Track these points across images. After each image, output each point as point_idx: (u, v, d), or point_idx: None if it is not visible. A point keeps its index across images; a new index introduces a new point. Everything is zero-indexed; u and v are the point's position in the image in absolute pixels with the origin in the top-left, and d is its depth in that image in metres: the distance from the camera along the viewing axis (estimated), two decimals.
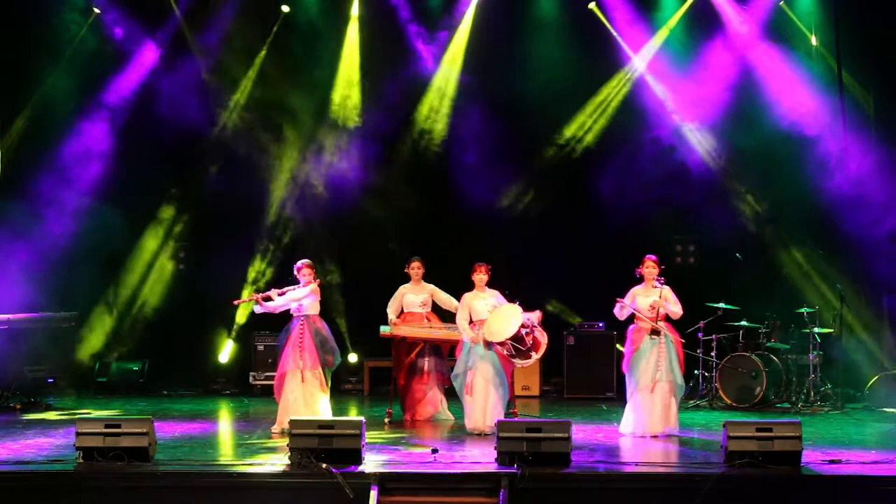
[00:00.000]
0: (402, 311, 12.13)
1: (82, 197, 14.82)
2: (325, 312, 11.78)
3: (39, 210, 14.50)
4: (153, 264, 15.40)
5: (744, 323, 13.57)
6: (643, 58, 15.13)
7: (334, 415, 11.07)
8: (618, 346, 11.50)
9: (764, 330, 13.55)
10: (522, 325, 10.95)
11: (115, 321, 14.93)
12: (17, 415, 12.60)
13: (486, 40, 15.11)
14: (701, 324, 13.39)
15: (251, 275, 14.72)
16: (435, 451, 9.40)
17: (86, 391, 14.54)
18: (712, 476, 8.67)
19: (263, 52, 15.25)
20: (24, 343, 13.31)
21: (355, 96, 15.17)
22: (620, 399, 11.98)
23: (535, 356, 11.13)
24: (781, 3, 14.90)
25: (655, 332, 10.88)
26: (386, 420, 11.95)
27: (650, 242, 14.22)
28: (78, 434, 8.99)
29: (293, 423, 9.09)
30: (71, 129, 14.93)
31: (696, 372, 13.59)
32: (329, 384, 11.15)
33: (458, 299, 11.52)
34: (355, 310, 14.76)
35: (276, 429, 10.99)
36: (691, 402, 13.37)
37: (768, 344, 13.48)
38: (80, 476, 8.75)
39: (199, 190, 15.29)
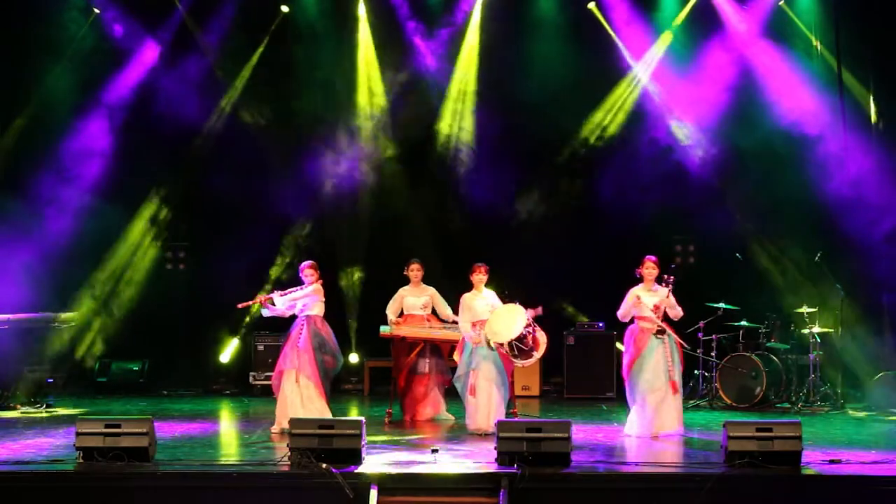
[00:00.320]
0: (401, 314, 12.13)
1: (82, 196, 14.82)
2: (338, 313, 11.77)
3: (39, 209, 14.52)
4: (153, 263, 15.40)
5: (744, 323, 13.57)
6: (643, 59, 15.11)
7: (334, 415, 11.06)
8: (618, 344, 11.49)
9: (764, 330, 13.55)
10: (526, 326, 10.95)
11: (115, 321, 14.90)
12: (17, 415, 12.58)
13: (488, 41, 15.11)
14: (701, 324, 13.39)
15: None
16: (435, 451, 9.39)
17: (86, 391, 14.53)
18: (712, 476, 8.67)
19: (261, 50, 15.25)
20: (24, 343, 13.31)
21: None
22: (620, 399, 11.98)
23: (537, 355, 11.13)
24: (781, 3, 14.90)
25: (661, 331, 10.87)
26: (386, 420, 11.95)
27: (650, 242, 14.24)
28: (78, 434, 8.99)
29: (293, 422, 9.09)
30: (71, 127, 14.94)
31: (696, 372, 13.59)
32: (329, 391, 11.11)
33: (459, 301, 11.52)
34: (356, 310, 14.78)
35: (275, 429, 10.99)
36: (691, 402, 13.36)
37: (768, 344, 13.48)
38: (80, 476, 8.74)
39: (199, 189, 15.28)
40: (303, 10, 15.23)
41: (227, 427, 12.16)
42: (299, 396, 10.90)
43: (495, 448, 8.95)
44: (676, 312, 10.99)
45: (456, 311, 11.55)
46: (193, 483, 8.72)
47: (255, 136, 15.18)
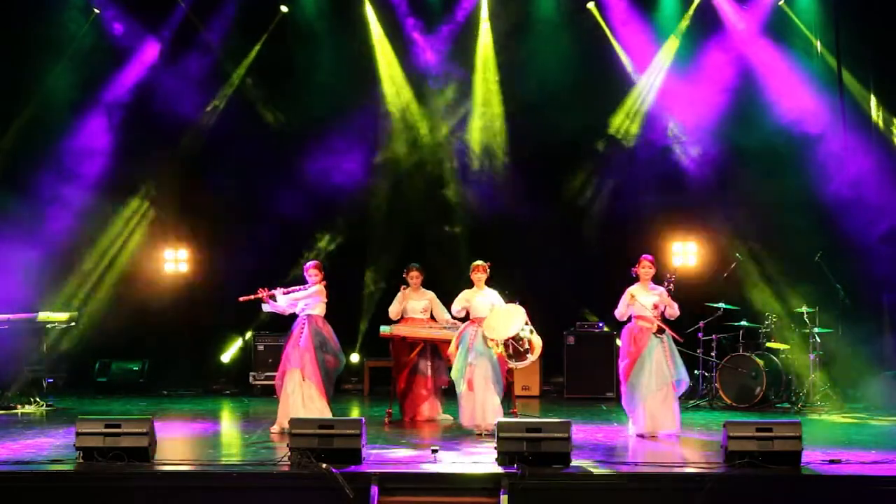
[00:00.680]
0: (402, 317, 12.14)
1: (83, 195, 14.82)
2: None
3: (40, 208, 14.52)
4: (153, 263, 15.40)
5: (744, 323, 13.57)
6: (651, 66, 15.11)
7: (334, 415, 11.05)
8: (618, 341, 11.48)
9: (764, 330, 13.56)
10: (524, 326, 10.96)
11: (115, 321, 14.90)
12: (16, 415, 12.59)
13: (488, 42, 15.14)
14: (701, 324, 13.40)
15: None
16: (435, 450, 9.39)
17: (86, 391, 14.53)
18: (712, 476, 8.68)
19: (259, 48, 15.26)
20: (24, 343, 13.31)
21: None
22: (620, 399, 11.97)
23: (531, 357, 11.12)
24: (781, 2, 14.90)
25: (660, 331, 10.87)
26: (386, 420, 11.95)
27: (650, 242, 14.27)
28: (78, 434, 8.99)
29: (293, 422, 9.10)
30: (72, 126, 14.97)
31: (696, 372, 13.59)
32: (332, 392, 11.12)
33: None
34: (356, 310, 14.80)
35: (275, 429, 10.99)
36: (691, 402, 13.37)
37: (768, 344, 13.48)
38: (80, 476, 8.73)
39: (200, 189, 15.29)
40: (301, 9, 15.23)
41: (228, 427, 12.16)
42: (301, 395, 10.90)
43: (495, 448, 8.95)
44: (673, 311, 10.99)
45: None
46: (193, 483, 8.72)
47: (256, 135, 15.19)
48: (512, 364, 11.10)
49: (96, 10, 15.10)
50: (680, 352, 11.07)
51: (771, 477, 8.69)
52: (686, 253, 15.06)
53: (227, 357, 15.21)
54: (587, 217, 15.11)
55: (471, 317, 11.29)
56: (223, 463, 9.40)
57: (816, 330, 13.29)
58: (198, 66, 15.16)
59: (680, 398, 11.75)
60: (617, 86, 15.19)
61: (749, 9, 14.94)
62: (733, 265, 14.14)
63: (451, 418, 12.00)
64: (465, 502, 8.53)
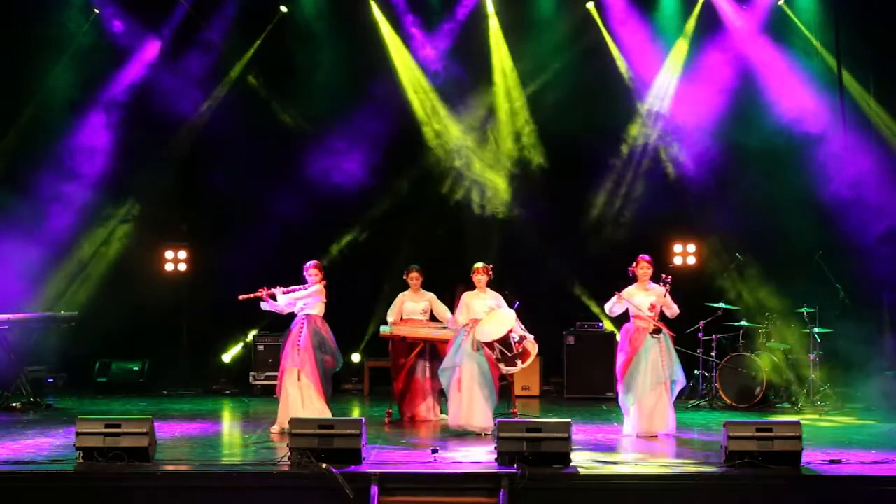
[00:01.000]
0: (401, 319, 12.15)
1: (83, 194, 14.83)
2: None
3: (40, 207, 14.52)
4: (153, 262, 15.39)
5: (744, 323, 13.57)
6: (646, 61, 15.11)
7: (334, 415, 11.06)
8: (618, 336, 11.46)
9: (764, 330, 13.55)
10: (511, 331, 10.95)
11: (115, 321, 14.88)
12: (16, 415, 12.59)
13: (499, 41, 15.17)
14: (701, 324, 13.40)
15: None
16: (435, 451, 9.39)
17: (86, 391, 14.53)
18: (712, 476, 8.68)
19: (259, 49, 15.27)
20: (24, 343, 13.30)
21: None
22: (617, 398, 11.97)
23: (521, 365, 11.10)
24: (781, 2, 14.89)
25: (657, 331, 10.88)
26: (386, 420, 11.95)
27: (650, 242, 14.26)
28: (78, 434, 8.99)
29: (293, 422, 9.10)
30: (72, 125, 14.96)
31: (696, 372, 13.59)
32: (330, 392, 11.12)
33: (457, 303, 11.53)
34: (357, 310, 14.78)
35: (275, 429, 10.99)
36: (691, 402, 13.37)
37: (768, 344, 13.48)
38: (80, 476, 8.74)
39: (200, 188, 15.29)
40: (300, 10, 15.23)
41: (228, 427, 12.15)
42: (300, 395, 10.90)
43: (495, 448, 8.95)
44: (673, 311, 11.01)
45: (453, 311, 11.57)
46: (193, 483, 8.72)
47: (257, 135, 15.18)
48: (502, 368, 11.09)
49: (96, 11, 15.10)
50: (680, 352, 11.07)
51: (771, 477, 8.69)
52: (686, 253, 15.04)
53: (227, 357, 15.21)
54: (587, 217, 15.09)
55: (468, 319, 11.28)
56: (223, 463, 9.41)
57: (816, 330, 13.29)
58: (198, 66, 15.15)
59: (680, 398, 11.79)
60: (616, 85, 15.17)
61: (749, 9, 14.94)
62: (733, 265, 14.14)
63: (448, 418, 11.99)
64: (465, 502, 8.53)
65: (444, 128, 15.20)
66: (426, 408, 12.14)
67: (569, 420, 9.09)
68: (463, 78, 15.14)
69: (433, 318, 12.18)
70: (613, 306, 11.08)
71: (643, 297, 11.01)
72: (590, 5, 15.11)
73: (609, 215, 15.03)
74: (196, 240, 15.43)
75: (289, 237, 14.61)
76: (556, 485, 8.64)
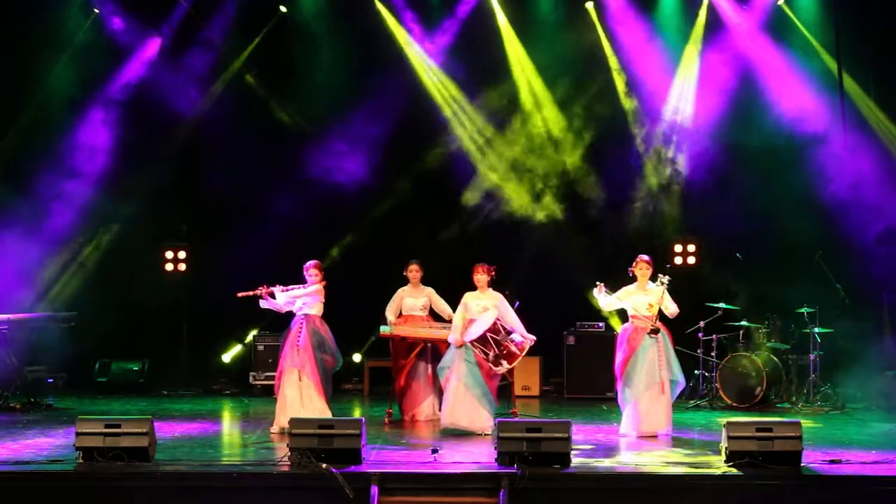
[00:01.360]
0: (400, 314, 12.15)
1: (84, 193, 14.83)
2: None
3: (41, 206, 14.51)
4: (153, 262, 15.38)
5: (744, 323, 13.57)
6: (643, 59, 15.10)
7: (334, 415, 11.05)
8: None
9: (764, 330, 13.55)
10: (490, 331, 10.93)
11: (115, 321, 14.88)
12: (16, 415, 12.59)
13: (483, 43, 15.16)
14: (701, 324, 13.39)
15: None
16: (435, 451, 9.39)
17: (86, 391, 14.53)
18: (712, 476, 8.68)
19: (260, 48, 15.28)
20: (24, 343, 13.30)
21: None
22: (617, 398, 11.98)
23: (506, 365, 11.10)
24: (781, 2, 14.89)
25: (655, 330, 10.88)
26: (386, 420, 11.95)
27: (650, 242, 14.27)
28: (78, 434, 8.99)
29: (293, 422, 9.10)
30: (72, 124, 14.96)
31: (696, 372, 13.59)
32: (331, 392, 11.12)
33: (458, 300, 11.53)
34: (360, 310, 14.78)
35: (274, 429, 10.99)
36: (691, 402, 13.37)
37: (768, 344, 13.48)
38: (80, 476, 8.74)
39: (201, 188, 15.29)
40: (300, 10, 15.23)
41: (227, 427, 12.15)
42: (300, 395, 10.90)
43: (495, 448, 8.95)
44: (672, 311, 11.01)
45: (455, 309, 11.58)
46: (193, 483, 8.73)
47: (258, 134, 15.18)
48: (493, 369, 11.09)
49: (96, 11, 15.11)
50: (680, 352, 11.07)
51: (771, 477, 8.68)
52: (686, 253, 15.03)
53: (228, 357, 15.21)
54: (588, 217, 15.10)
55: (466, 318, 11.29)
56: (223, 463, 9.42)
57: (816, 330, 13.28)
58: (198, 65, 15.16)
59: (680, 398, 11.79)
60: (615, 85, 15.19)
61: (749, 8, 14.94)
62: (733, 265, 14.15)
63: None
64: (465, 502, 8.54)
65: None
66: (426, 408, 12.13)
67: (569, 420, 9.10)
68: (473, 74, 15.14)
69: (433, 313, 12.18)
70: (601, 299, 11.06)
71: (642, 297, 11.01)
72: (589, 5, 15.11)
73: (609, 215, 15.02)
74: (196, 240, 15.42)
75: (289, 237, 14.60)
76: (556, 485, 8.64)
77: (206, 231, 15.36)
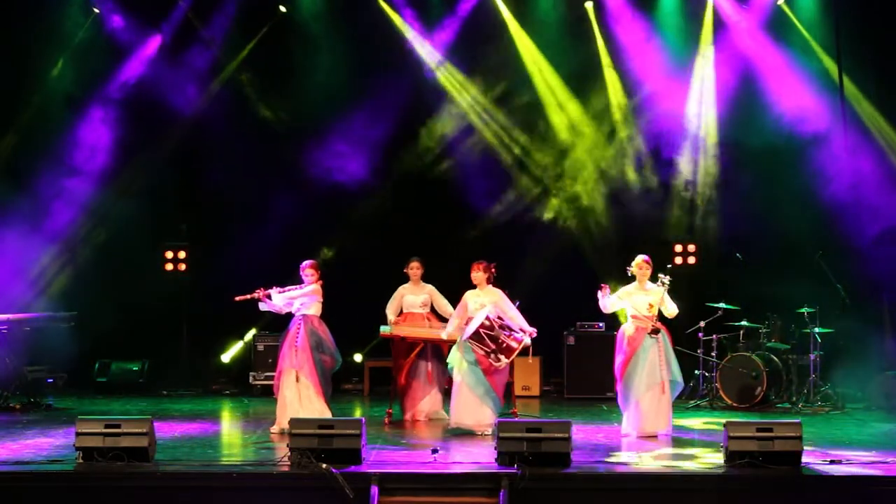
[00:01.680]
0: (401, 312, 12.15)
1: (84, 192, 14.84)
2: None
3: (41, 206, 14.52)
4: (154, 262, 15.38)
5: (744, 323, 13.57)
6: (641, 59, 15.09)
7: (334, 415, 11.05)
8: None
9: (764, 330, 13.55)
10: (482, 326, 10.95)
11: (115, 321, 14.88)
12: (16, 415, 12.58)
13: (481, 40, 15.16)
14: (701, 324, 13.39)
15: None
16: (435, 451, 9.39)
17: (86, 391, 14.52)
18: (712, 476, 8.68)
19: (259, 48, 15.28)
20: (24, 343, 13.29)
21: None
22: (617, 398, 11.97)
23: (504, 360, 11.06)
24: (780, 2, 14.89)
25: (655, 331, 10.88)
26: (386, 420, 11.95)
27: (650, 242, 14.27)
28: (78, 434, 8.98)
29: (293, 422, 9.10)
30: (72, 123, 14.96)
31: (696, 372, 13.59)
32: (330, 392, 11.12)
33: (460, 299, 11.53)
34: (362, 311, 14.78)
35: (275, 429, 10.99)
36: (691, 402, 13.37)
37: (768, 344, 13.48)
38: (80, 476, 8.74)
39: (201, 188, 15.29)
40: (299, 10, 15.24)
41: (227, 427, 12.16)
42: (298, 396, 10.90)
43: (495, 448, 8.95)
44: (672, 311, 11.01)
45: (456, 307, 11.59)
46: (193, 483, 8.72)
47: (258, 134, 15.18)
48: (494, 364, 11.09)
49: (96, 10, 15.12)
50: (681, 352, 11.08)
51: (771, 477, 8.68)
52: (686, 253, 15.02)
53: (227, 357, 15.20)
54: (587, 217, 15.10)
55: (465, 316, 11.30)
56: (223, 463, 9.42)
57: (816, 330, 13.28)
58: (198, 63, 15.18)
59: (680, 398, 11.79)
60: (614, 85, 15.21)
61: (749, 8, 14.94)
62: (733, 265, 14.15)
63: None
64: (465, 502, 8.53)
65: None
66: (426, 407, 12.14)
67: (569, 420, 9.10)
68: (479, 71, 15.15)
69: (435, 311, 12.18)
70: (603, 300, 11.05)
71: (642, 297, 11.01)
72: (588, 5, 15.11)
73: (609, 215, 15.01)
74: (196, 240, 15.42)
75: (289, 237, 14.61)
76: (557, 485, 8.63)
77: (206, 231, 15.36)
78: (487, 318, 11.01)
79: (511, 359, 11.17)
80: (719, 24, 14.99)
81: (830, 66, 14.65)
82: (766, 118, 14.62)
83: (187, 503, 8.65)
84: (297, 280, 11.29)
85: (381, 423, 11.83)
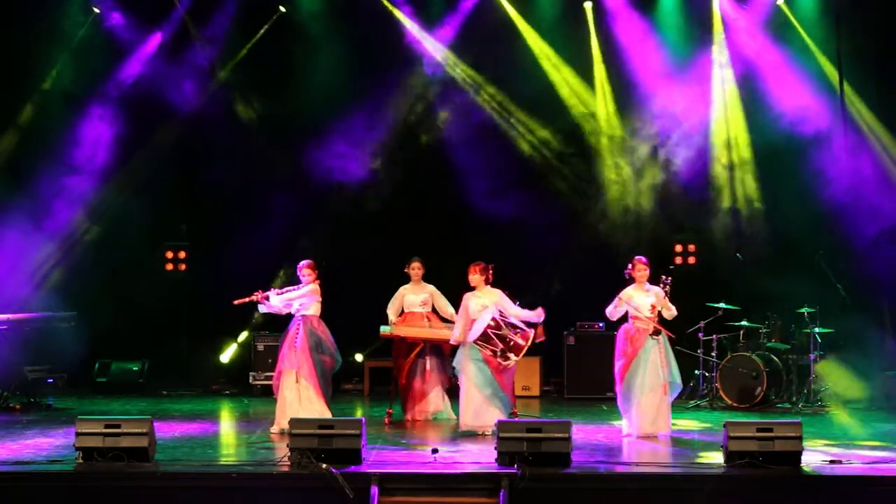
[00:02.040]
0: (402, 311, 12.15)
1: (84, 193, 14.84)
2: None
3: (42, 206, 14.52)
4: (154, 262, 15.38)
5: (744, 323, 13.57)
6: (640, 59, 15.09)
7: (334, 415, 11.05)
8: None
9: (764, 330, 13.55)
10: (493, 327, 10.95)
11: (115, 321, 14.88)
12: (16, 415, 12.58)
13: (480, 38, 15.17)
14: (701, 324, 13.39)
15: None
16: (435, 451, 9.39)
17: (86, 391, 14.52)
18: (712, 476, 8.68)
19: (258, 46, 15.29)
20: (24, 343, 13.30)
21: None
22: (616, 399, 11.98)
23: (514, 358, 11.07)
24: (780, 2, 14.88)
25: (656, 332, 10.88)
26: (386, 420, 11.95)
27: (650, 242, 14.27)
28: (78, 434, 8.98)
29: (293, 422, 9.10)
30: (73, 121, 14.97)
31: (696, 372, 13.59)
32: (330, 392, 11.11)
33: (460, 301, 11.52)
34: (356, 309, 14.77)
35: (274, 429, 10.99)
36: (691, 402, 13.37)
37: (768, 344, 13.47)
38: (80, 476, 8.74)
39: (201, 187, 15.29)
40: (298, 10, 15.24)
41: (227, 427, 12.16)
42: (298, 397, 10.90)
43: (495, 448, 8.95)
44: (671, 312, 11.00)
45: (458, 309, 11.57)
46: (193, 483, 8.72)
47: (258, 133, 15.19)
48: (502, 364, 11.09)
49: (96, 10, 15.13)
50: (681, 352, 11.07)
51: (771, 477, 8.68)
52: (686, 253, 15.03)
53: (226, 357, 15.20)
54: (588, 217, 15.10)
55: (467, 319, 11.29)
56: (223, 463, 9.42)
57: (816, 330, 13.28)
58: (197, 62, 15.19)
59: (680, 398, 11.79)
60: (614, 85, 15.21)
61: (749, 8, 14.94)
62: (733, 264, 14.15)
63: (454, 417, 11.98)
64: (465, 502, 8.53)
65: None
66: (428, 407, 12.14)
67: (569, 420, 9.09)
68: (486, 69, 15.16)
69: (435, 311, 12.17)
70: (615, 309, 11.05)
71: (643, 299, 11.00)
72: (587, 5, 15.11)
73: (609, 215, 15.02)
74: (196, 240, 15.42)
75: (289, 237, 14.61)
76: (557, 485, 8.63)
77: (206, 231, 15.36)
78: (493, 318, 11.02)
79: (520, 356, 11.17)
80: (719, 24, 14.99)
81: (830, 66, 14.65)
82: (766, 118, 14.61)
83: (187, 503, 8.65)
84: (295, 280, 11.28)
85: (381, 423, 11.83)
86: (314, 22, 15.19)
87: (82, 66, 15.08)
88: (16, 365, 13.12)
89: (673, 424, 11.00)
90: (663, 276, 11.01)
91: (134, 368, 14.85)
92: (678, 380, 10.95)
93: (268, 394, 13.72)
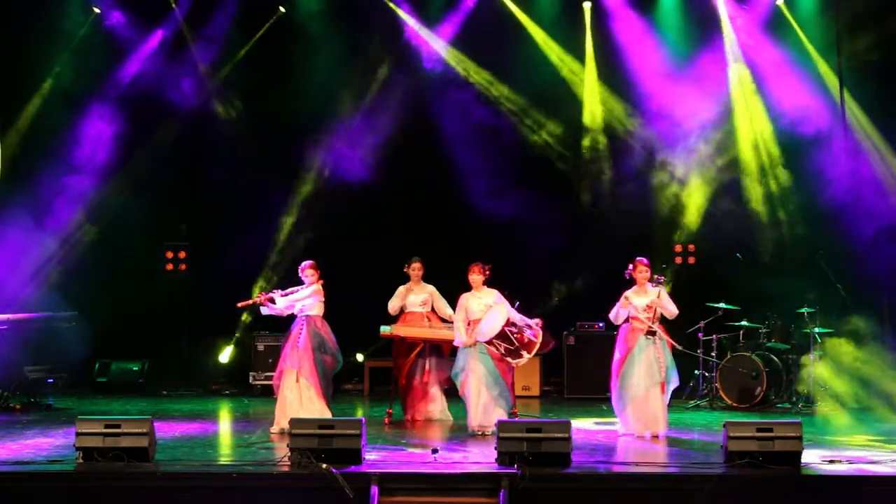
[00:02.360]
0: (401, 311, 12.15)
1: (85, 192, 14.85)
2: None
3: (42, 205, 14.52)
4: (154, 262, 15.38)
5: (744, 323, 13.57)
6: (640, 59, 15.10)
7: (334, 415, 11.05)
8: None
9: (764, 330, 13.55)
10: (506, 325, 10.95)
11: (115, 321, 14.88)
12: (16, 415, 12.58)
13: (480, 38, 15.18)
14: (701, 324, 13.40)
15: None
16: (435, 451, 9.40)
17: (86, 391, 14.52)
18: (712, 476, 8.68)
19: (258, 47, 15.30)
20: (25, 343, 13.30)
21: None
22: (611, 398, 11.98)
23: (527, 355, 11.11)
24: (780, 2, 14.88)
25: (651, 332, 10.87)
26: (386, 420, 11.95)
27: (650, 243, 14.27)
28: (78, 434, 8.98)
29: (293, 422, 9.10)
30: (73, 121, 14.97)
31: (696, 372, 13.59)
32: (331, 393, 11.11)
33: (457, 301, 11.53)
34: (356, 309, 14.78)
35: (274, 429, 10.99)
36: (691, 402, 13.37)
37: (768, 344, 13.48)
38: (80, 476, 8.74)
39: (201, 187, 15.30)
40: (298, 10, 15.25)
41: (227, 427, 12.16)
42: (299, 397, 10.90)
43: (495, 448, 8.95)
44: (671, 311, 11.00)
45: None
46: (193, 483, 8.72)
47: (258, 133, 15.19)
48: (510, 362, 11.09)
49: (96, 10, 15.14)
50: (681, 352, 11.06)
51: (771, 477, 8.68)
52: (686, 253, 15.03)
53: (224, 357, 15.19)
54: (588, 217, 15.10)
55: (467, 320, 11.28)
56: (223, 463, 9.42)
57: (816, 330, 13.28)
58: (197, 62, 15.18)
59: (680, 398, 11.79)
60: (613, 84, 15.21)
61: (748, 9, 14.94)
62: (733, 264, 14.15)
63: (453, 417, 12.01)
64: (465, 502, 8.53)
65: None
66: (428, 407, 12.13)
67: (569, 420, 9.10)
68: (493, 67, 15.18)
69: (434, 311, 12.17)
70: (619, 311, 11.04)
71: (642, 299, 11.01)
72: (586, 5, 15.11)
73: (609, 215, 15.02)
74: (196, 240, 15.42)
75: (289, 237, 14.61)
76: (557, 485, 8.63)
77: (206, 231, 15.36)
78: (521, 319, 11.04)
79: (532, 354, 11.19)
80: (719, 24, 14.98)
81: (829, 66, 14.64)
82: (766, 118, 14.62)
83: (187, 503, 8.65)
84: (298, 280, 11.27)
85: (381, 423, 11.83)
86: (314, 22, 15.20)
87: (82, 66, 15.10)
88: (16, 365, 13.12)
89: (672, 424, 11.00)
90: (656, 276, 11.02)
91: (134, 368, 14.85)
92: (674, 379, 10.93)
93: (268, 394, 13.74)
